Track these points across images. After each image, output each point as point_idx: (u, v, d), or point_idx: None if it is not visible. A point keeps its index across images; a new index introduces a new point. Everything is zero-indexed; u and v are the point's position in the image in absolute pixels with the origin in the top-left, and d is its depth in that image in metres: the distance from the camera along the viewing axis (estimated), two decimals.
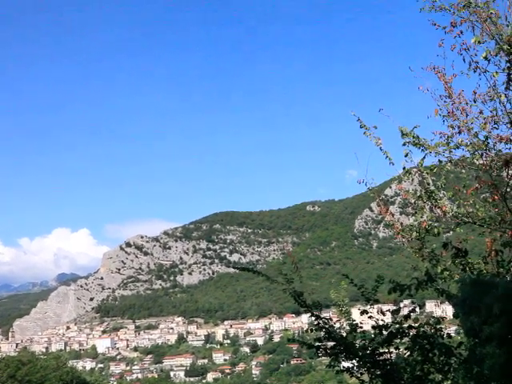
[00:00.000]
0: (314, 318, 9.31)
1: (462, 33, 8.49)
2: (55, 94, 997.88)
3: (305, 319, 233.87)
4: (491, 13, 8.18)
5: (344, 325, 9.39)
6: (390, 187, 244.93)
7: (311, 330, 9.58)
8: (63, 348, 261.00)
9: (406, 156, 8.72)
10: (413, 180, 9.23)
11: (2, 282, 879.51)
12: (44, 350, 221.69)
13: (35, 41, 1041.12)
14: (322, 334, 9.26)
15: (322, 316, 9.34)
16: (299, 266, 10.35)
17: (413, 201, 9.20)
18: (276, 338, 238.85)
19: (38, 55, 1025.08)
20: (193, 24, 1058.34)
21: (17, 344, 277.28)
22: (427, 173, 9.02)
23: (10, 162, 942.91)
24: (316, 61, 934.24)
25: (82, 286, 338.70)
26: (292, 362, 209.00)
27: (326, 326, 9.24)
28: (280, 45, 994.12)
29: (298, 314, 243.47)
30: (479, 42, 8.21)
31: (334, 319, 9.60)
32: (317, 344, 9.26)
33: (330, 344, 9.11)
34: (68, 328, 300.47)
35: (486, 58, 8.14)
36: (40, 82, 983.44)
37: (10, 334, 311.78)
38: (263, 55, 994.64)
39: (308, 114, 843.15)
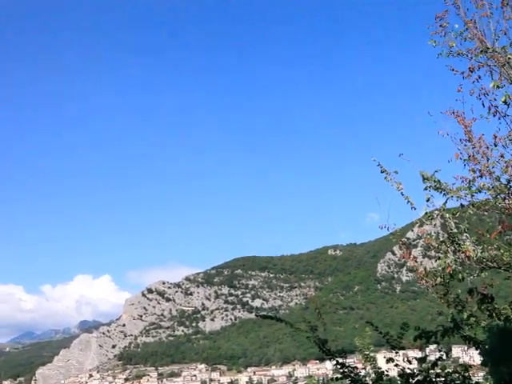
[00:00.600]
0: (339, 366, 9.05)
1: (480, 78, 8.54)
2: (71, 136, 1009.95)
3: (329, 365, 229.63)
4: (509, 58, 8.23)
5: (370, 372, 9.14)
6: (412, 230, 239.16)
7: (336, 379, 9.35)
8: None
9: (427, 201, 8.68)
10: (435, 225, 9.16)
11: (24, 329, 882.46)
12: None
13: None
14: (348, 382, 9.00)
15: (347, 364, 9.08)
16: (322, 311, 10.28)
17: (436, 245, 9.10)
18: None
19: None
20: None
21: None
22: (450, 217, 8.96)
23: (32, 208, 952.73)
24: (336, 105, 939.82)
25: (104, 333, 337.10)
26: None
27: (352, 375, 8.99)
28: (300, 90, 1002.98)
29: (322, 360, 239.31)
30: (498, 87, 8.23)
31: (359, 366, 9.27)
32: None
33: None
34: (91, 376, 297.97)
35: (505, 102, 8.15)
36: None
37: (32, 382, 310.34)
38: (283, 100, 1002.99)
39: (328, 158, 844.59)
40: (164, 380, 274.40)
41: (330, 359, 9.28)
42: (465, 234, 8.93)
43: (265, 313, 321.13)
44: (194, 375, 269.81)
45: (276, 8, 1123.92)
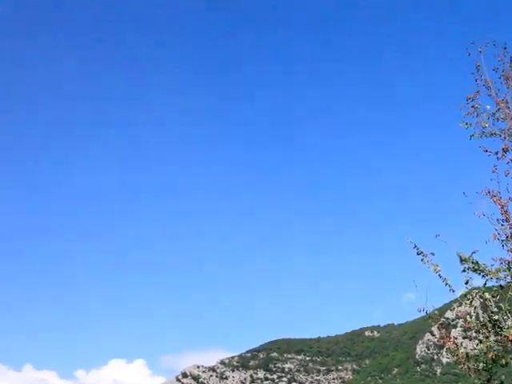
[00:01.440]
0: None
1: None
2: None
3: None
4: None
5: None
6: (451, 309, 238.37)
7: None
8: None
9: (466, 283, 8.54)
10: (475, 308, 8.96)
11: None
12: None
13: None
14: None
15: None
16: None
17: (476, 328, 8.87)
18: None
19: None
20: None
21: None
22: (490, 298, 8.76)
23: (60, 293, 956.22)
24: (370, 184, 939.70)
25: None
26: None
27: None
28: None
29: None
30: None
31: None
32: None
33: None
34: None
35: None
36: None
37: None
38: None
39: (364, 239, 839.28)
40: None
41: None
42: (507, 315, 8.71)
43: None
44: None
45: None
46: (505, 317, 8.86)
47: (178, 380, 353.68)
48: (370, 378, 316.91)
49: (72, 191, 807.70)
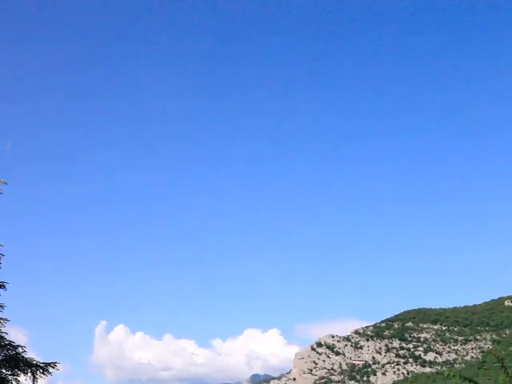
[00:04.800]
0: None
1: None
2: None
3: None
4: None
5: None
6: None
7: None
8: None
9: None
10: None
11: (198, 382, 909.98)
12: None
13: None
14: None
15: None
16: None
17: None
18: None
19: None
20: None
21: None
22: None
23: (205, 271, 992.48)
24: None
25: None
26: None
27: None
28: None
29: None
30: None
31: None
32: None
33: None
34: None
35: None
36: None
37: None
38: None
39: (502, 207, 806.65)
40: None
41: None
42: None
43: (438, 367, 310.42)
44: None
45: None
46: None
47: (312, 349, 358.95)
48: (511, 348, 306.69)
49: None
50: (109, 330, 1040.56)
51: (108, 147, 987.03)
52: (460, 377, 9.67)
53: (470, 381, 9.06)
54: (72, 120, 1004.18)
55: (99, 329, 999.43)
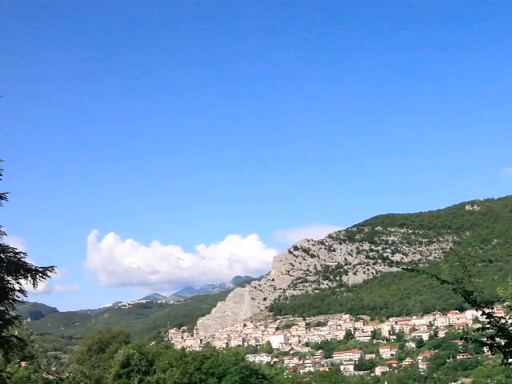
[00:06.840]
0: (485, 317, 9.68)
1: None
2: None
3: (469, 315, 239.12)
4: None
5: None
6: None
7: (482, 329, 10.19)
8: (241, 343, 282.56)
9: None
10: None
11: (184, 284, 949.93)
12: (224, 346, 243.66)
13: None
14: (494, 331, 9.65)
15: (493, 314, 9.69)
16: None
17: None
18: (441, 334, 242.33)
19: None
20: None
21: (201, 340, 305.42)
22: None
23: (189, 180, 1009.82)
24: None
25: (255, 287, 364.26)
26: (458, 357, 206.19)
27: (498, 324, 9.55)
28: None
29: (461, 310, 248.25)
30: None
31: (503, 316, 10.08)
32: (490, 342, 9.78)
33: (504, 342, 9.53)
34: (245, 325, 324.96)
35: None
36: None
37: (194, 330, 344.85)
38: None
39: (463, 114, 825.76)
40: (311, 329, 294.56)
41: (476, 309, 9.92)
42: None
43: (404, 266, 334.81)
44: (339, 325, 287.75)
45: None
46: None
47: (289, 252, 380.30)
48: (470, 249, 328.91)
49: None
50: (100, 238, 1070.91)
51: None
52: (423, 272, 10.92)
53: (433, 275, 10.15)
54: None
55: (91, 237, 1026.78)
